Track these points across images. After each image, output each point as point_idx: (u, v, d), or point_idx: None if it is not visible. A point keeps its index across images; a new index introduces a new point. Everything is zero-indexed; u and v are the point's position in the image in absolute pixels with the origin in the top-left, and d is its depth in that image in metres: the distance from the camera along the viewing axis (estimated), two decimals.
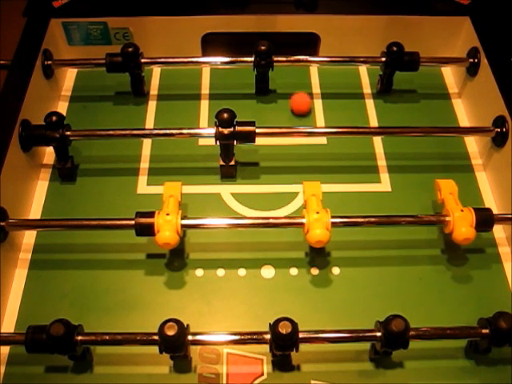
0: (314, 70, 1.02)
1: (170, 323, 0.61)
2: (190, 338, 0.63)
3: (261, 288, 0.75)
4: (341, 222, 0.73)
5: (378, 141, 0.92)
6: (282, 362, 0.68)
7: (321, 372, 0.68)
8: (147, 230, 0.71)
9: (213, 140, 0.82)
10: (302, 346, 0.63)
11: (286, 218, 0.80)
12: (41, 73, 0.91)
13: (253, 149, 0.89)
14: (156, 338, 0.62)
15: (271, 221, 0.76)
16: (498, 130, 0.84)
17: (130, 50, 0.90)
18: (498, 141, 0.84)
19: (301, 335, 0.63)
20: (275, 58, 0.92)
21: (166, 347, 0.62)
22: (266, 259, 0.78)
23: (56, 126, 0.81)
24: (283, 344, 0.63)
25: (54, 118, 0.81)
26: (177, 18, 0.98)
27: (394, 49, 0.91)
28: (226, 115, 0.80)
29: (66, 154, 0.84)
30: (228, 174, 0.86)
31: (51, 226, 0.77)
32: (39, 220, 0.81)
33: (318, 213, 0.71)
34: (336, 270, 0.77)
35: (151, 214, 0.71)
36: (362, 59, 0.96)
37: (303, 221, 0.72)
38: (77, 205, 0.83)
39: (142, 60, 0.92)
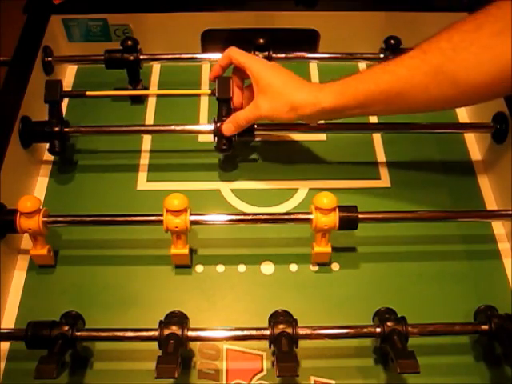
0: (313, 67, 1.02)
1: None
2: (189, 333, 0.63)
3: (260, 284, 0.75)
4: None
5: (377, 137, 0.92)
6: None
7: (321, 368, 0.68)
8: None
9: (212, 136, 0.82)
10: (302, 342, 0.63)
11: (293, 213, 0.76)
12: (41, 69, 0.91)
13: (252, 145, 0.89)
14: (156, 333, 0.62)
15: (276, 217, 0.76)
16: (498, 126, 0.84)
17: (129, 43, 0.91)
18: (498, 137, 0.84)
19: (300, 331, 0.63)
20: (274, 55, 0.92)
21: None
22: (265, 255, 0.78)
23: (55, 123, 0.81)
24: None
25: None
26: (177, 14, 0.97)
27: (392, 42, 0.92)
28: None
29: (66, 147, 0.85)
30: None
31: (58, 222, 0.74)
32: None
33: None
34: (336, 267, 0.77)
35: None
36: (361, 55, 0.97)
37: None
38: (76, 201, 0.83)
39: (142, 56, 0.92)
